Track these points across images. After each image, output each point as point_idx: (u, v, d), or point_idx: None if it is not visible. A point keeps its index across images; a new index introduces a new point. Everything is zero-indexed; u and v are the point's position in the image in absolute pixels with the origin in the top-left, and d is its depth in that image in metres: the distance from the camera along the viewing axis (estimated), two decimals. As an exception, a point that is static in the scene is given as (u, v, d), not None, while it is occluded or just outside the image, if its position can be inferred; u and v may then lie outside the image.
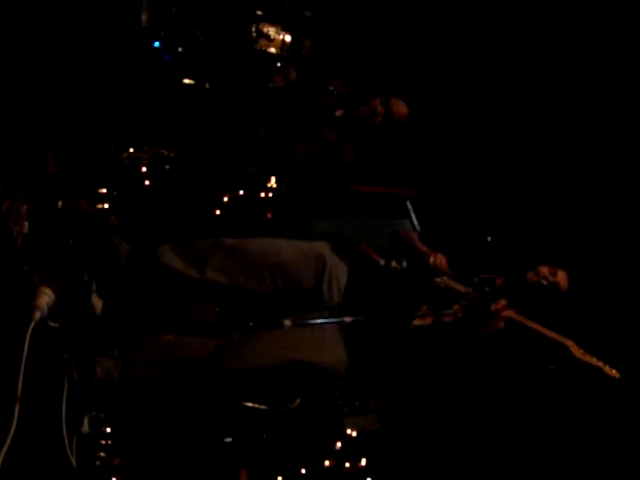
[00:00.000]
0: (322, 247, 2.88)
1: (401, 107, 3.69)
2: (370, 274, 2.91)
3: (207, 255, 2.70)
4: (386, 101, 3.64)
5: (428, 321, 2.83)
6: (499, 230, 3.44)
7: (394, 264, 2.93)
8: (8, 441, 1.61)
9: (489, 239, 3.32)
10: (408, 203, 4.16)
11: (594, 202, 4.05)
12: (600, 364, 2.78)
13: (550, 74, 4.35)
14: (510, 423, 3.74)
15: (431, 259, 2.97)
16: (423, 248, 3.06)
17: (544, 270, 2.88)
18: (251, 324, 2.57)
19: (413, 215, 4.05)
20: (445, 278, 2.93)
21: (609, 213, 3.99)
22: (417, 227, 4.00)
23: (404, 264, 2.94)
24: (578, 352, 2.78)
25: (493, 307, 2.49)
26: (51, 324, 1.98)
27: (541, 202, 4.25)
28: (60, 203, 2.20)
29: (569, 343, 2.79)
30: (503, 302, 2.70)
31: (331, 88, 3.66)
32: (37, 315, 1.88)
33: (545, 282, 2.78)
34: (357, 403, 3.09)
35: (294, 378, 2.72)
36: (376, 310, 2.25)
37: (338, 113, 3.69)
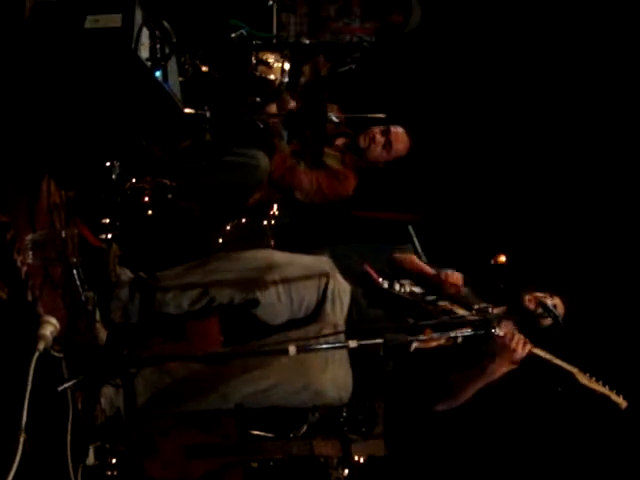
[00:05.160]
0: (325, 263, 2.85)
1: (401, 140, 3.61)
2: (372, 296, 2.89)
3: (209, 270, 2.69)
4: (386, 131, 3.58)
5: (430, 344, 2.80)
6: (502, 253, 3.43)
7: (397, 288, 2.90)
8: (12, 472, 1.60)
9: (492, 262, 3.31)
10: (410, 228, 4.16)
11: (592, 223, 4.08)
12: (607, 391, 2.75)
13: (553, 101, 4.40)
14: (517, 446, 3.71)
15: (443, 276, 2.95)
16: (429, 270, 3.03)
17: (539, 295, 2.88)
18: (256, 350, 2.57)
19: (415, 240, 4.05)
20: (448, 302, 2.91)
21: (608, 235, 4.01)
22: (420, 252, 3.99)
23: (407, 288, 2.91)
24: (584, 379, 2.75)
25: (497, 331, 2.46)
26: (55, 354, 1.98)
27: (542, 224, 4.27)
28: (63, 233, 2.20)
29: (574, 370, 2.77)
30: (521, 340, 2.69)
31: (331, 115, 3.67)
32: (41, 345, 1.88)
33: (540, 310, 2.77)
34: (364, 429, 3.06)
35: (298, 402, 2.69)
36: (378, 333, 2.22)
37: (339, 142, 3.69)
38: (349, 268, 2.97)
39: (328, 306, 2.76)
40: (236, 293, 2.68)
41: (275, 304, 2.71)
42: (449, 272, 2.95)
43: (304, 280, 2.74)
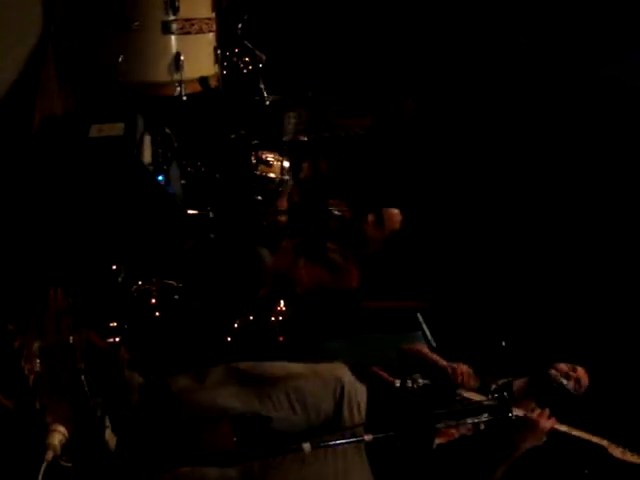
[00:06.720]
0: (339, 369, 2.84)
1: (393, 214, 3.75)
2: (387, 396, 2.87)
3: (220, 381, 2.67)
4: (378, 215, 3.72)
5: (452, 435, 2.75)
6: (513, 333, 3.41)
7: (410, 384, 2.87)
8: None
9: (503, 343, 3.28)
10: (419, 315, 4.14)
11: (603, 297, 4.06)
12: None
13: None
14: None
15: (450, 370, 2.93)
16: (441, 361, 3.01)
17: (563, 367, 2.84)
18: (270, 450, 2.51)
19: (425, 326, 4.03)
20: (462, 390, 2.87)
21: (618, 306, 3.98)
22: (430, 338, 3.96)
23: (420, 382, 2.89)
24: (617, 452, 2.66)
25: (515, 413, 2.41)
26: (64, 464, 1.93)
27: (551, 301, 4.26)
28: (71, 338, 2.20)
29: (605, 443, 2.67)
30: (545, 412, 2.63)
31: (334, 210, 3.75)
32: (49, 455, 1.84)
33: (566, 380, 2.72)
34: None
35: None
36: (398, 430, 2.19)
37: (342, 235, 3.76)
38: (362, 370, 2.96)
39: (346, 412, 2.73)
40: (247, 409, 2.66)
41: (290, 417, 2.69)
42: (455, 365, 2.93)
43: (319, 390, 2.73)
